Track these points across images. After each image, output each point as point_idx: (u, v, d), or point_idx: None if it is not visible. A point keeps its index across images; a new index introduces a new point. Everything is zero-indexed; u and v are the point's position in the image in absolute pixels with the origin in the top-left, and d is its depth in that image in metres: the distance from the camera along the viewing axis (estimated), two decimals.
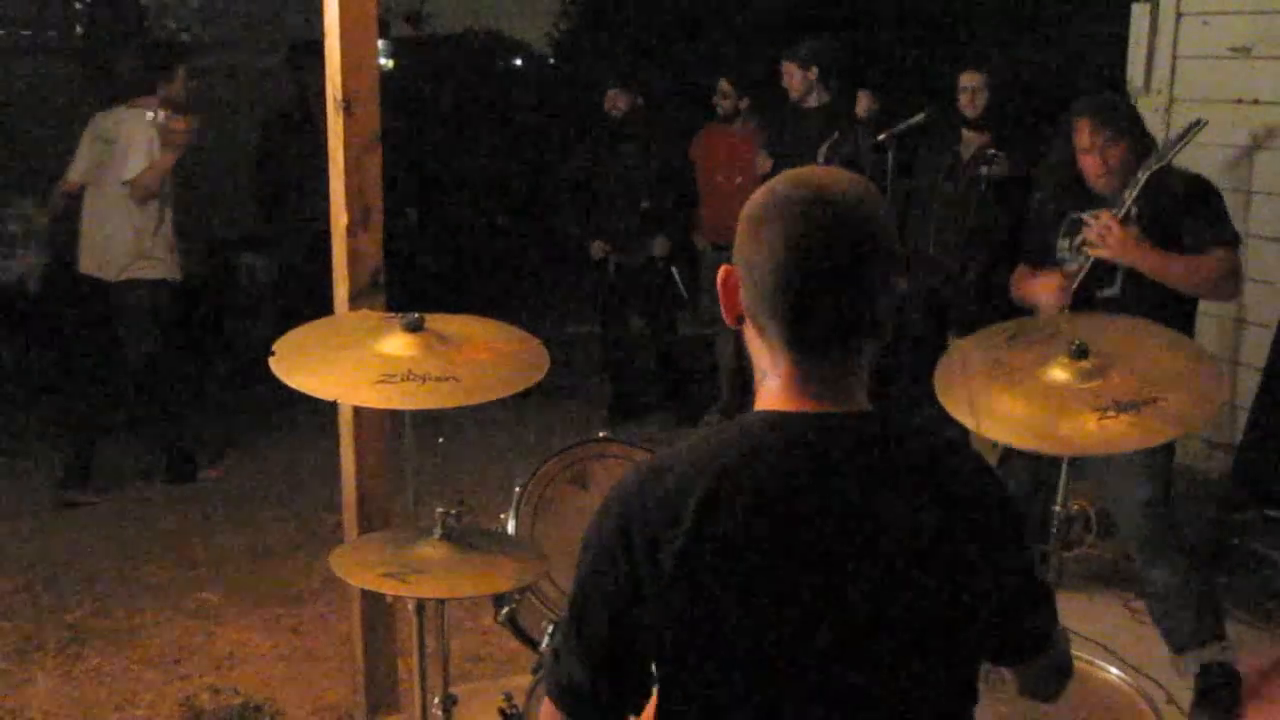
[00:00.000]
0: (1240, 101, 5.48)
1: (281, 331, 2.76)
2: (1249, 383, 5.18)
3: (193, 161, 5.64)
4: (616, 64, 8.33)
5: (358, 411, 3.17)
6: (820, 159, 5.64)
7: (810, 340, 1.52)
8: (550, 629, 2.91)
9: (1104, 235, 3.62)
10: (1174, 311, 3.57)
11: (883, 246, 1.51)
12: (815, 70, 6.03)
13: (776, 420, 1.53)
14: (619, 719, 1.57)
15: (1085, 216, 3.72)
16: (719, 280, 1.59)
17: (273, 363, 2.61)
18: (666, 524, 1.46)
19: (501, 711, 2.74)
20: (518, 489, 2.97)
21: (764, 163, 6.15)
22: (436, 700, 2.74)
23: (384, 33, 11.01)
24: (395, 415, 2.98)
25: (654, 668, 1.54)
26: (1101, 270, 3.70)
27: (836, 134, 5.79)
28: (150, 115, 5.45)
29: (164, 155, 5.47)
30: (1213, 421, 5.31)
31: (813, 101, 6.06)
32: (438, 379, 2.55)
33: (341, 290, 3.18)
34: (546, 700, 1.58)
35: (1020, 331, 2.95)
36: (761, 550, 1.46)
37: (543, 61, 12.50)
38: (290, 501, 5.61)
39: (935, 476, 1.54)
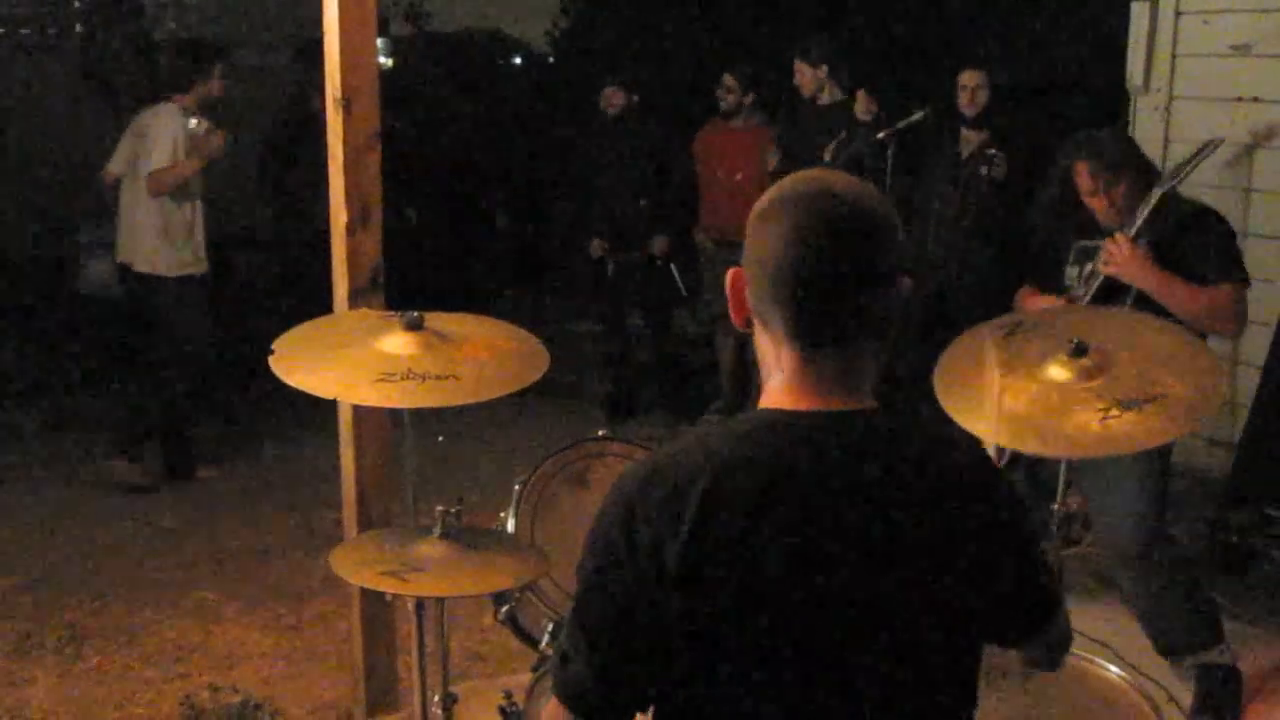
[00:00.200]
0: (1240, 100, 5.48)
1: (282, 329, 2.77)
2: (1249, 381, 5.18)
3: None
4: (616, 63, 8.32)
5: (357, 410, 3.17)
6: (826, 158, 5.64)
7: (815, 336, 1.53)
8: (551, 627, 2.91)
9: (1114, 251, 3.61)
10: None
11: (888, 245, 1.53)
12: (825, 68, 6.06)
13: (781, 418, 1.54)
14: (628, 717, 1.57)
15: (1097, 243, 3.71)
16: (727, 284, 1.61)
17: (272, 361, 2.61)
18: (671, 522, 1.46)
19: (501, 710, 2.74)
20: (517, 487, 2.97)
21: (773, 159, 6.17)
22: (436, 699, 2.74)
23: (384, 31, 11.02)
24: (395, 414, 2.98)
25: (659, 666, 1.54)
26: (1110, 292, 3.68)
27: (844, 133, 5.80)
28: (193, 122, 5.51)
29: (190, 160, 5.53)
30: (1213, 418, 5.32)
31: (825, 99, 6.09)
32: (437, 377, 2.55)
33: (341, 289, 3.18)
34: (553, 700, 1.58)
35: (1017, 327, 2.95)
36: (766, 547, 1.46)
37: (542, 60, 12.50)
38: (290, 500, 5.61)
39: (939, 472, 1.55)
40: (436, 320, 2.72)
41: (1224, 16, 5.55)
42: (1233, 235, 3.71)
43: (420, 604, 2.60)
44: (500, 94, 11.22)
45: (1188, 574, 3.75)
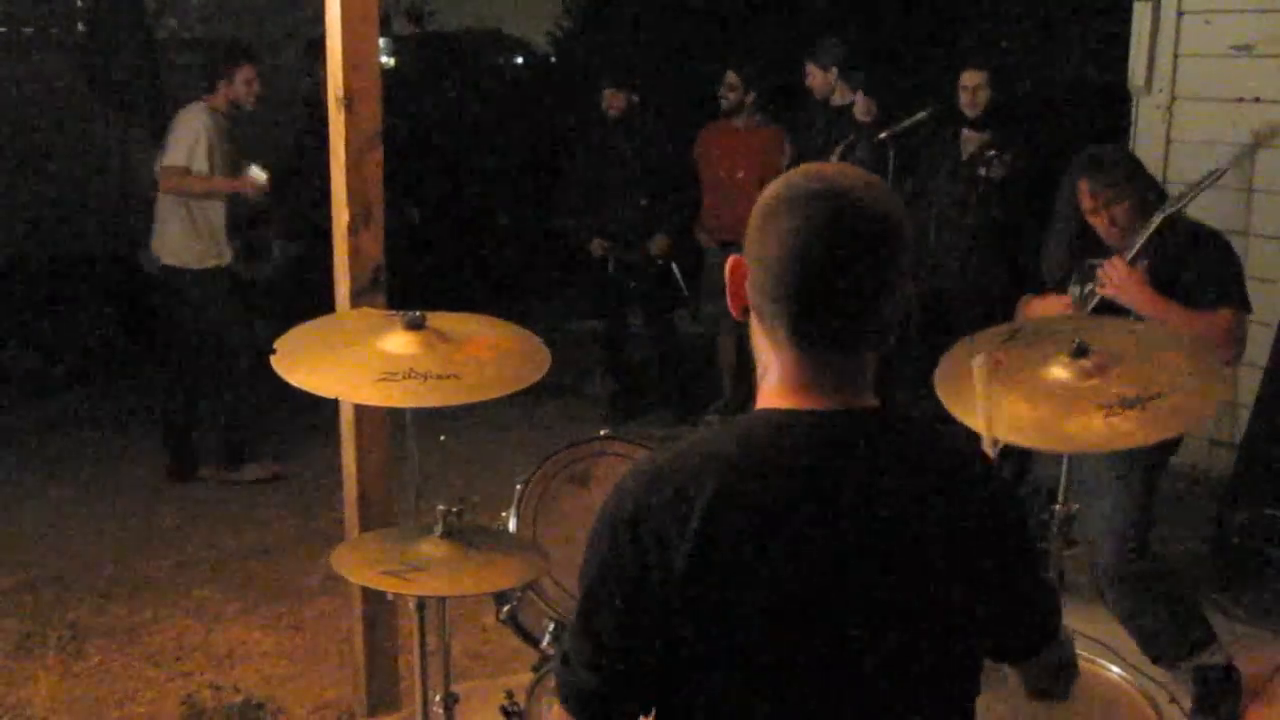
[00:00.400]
0: (1241, 100, 5.48)
1: (284, 328, 2.77)
2: (1251, 381, 5.17)
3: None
4: (617, 63, 8.31)
5: (359, 409, 3.17)
6: (833, 160, 5.66)
7: (816, 336, 1.51)
8: (552, 627, 2.91)
9: (1110, 273, 3.61)
10: None
11: (894, 247, 1.49)
12: (835, 70, 6.10)
13: (782, 418, 1.53)
14: None
15: (1100, 262, 3.71)
16: (727, 269, 1.58)
17: (274, 361, 2.61)
18: (676, 524, 1.45)
19: (503, 709, 2.74)
20: (519, 487, 2.97)
21: (787, 157, 6.21)
22: (438, 698, 2.74)
23: (385, 30, 11.01)
24: (396, 413, 2.98)
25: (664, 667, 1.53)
26: (1108, 312, 3.67)
27: (851, 136, 5.81)
28: (254, 169, 5.63)
29: (223, 180, 5.61)
30: (1215, 418, 5.31)
31: (838, 100, 6.13)
32: (439, 377, 2.55)
33: (343, 288, 3.18)
34: (556, 704, 1.57)
35: (1016, 333, 2.95)
36: (771, 549, 1.45)
37: (544, 60, 12.49)
38: (291, 499, 5.62)
39: (940, 473, 1.55)
40: (438, 320, 2.72)
41: (1226, 17, 5.55)
42: (1236, 260, 3.71)
43: (421, 603, 2.60)
44: (502, 94, 11.21)
45: (1169, 585, 3.74)
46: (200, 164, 5.56)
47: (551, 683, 1.61)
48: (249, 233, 5.91)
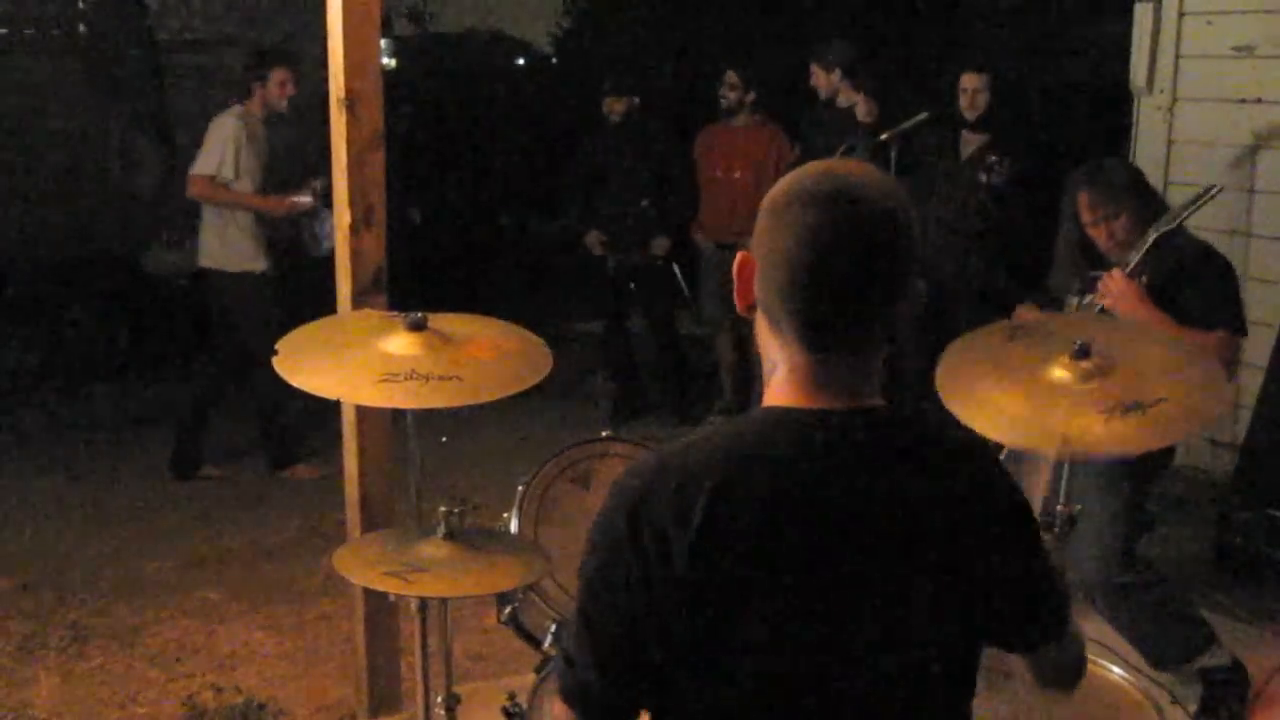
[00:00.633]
0: (1243, 101, 5.48)
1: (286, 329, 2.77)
2: (1252, 382, 5.17)
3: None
4: (618, 63, 8.32)
5: (361, 410, 3.17)
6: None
7: (823, 335, 1.51)
8: (554, 628, 2.91)
9: (1108, 284, 3.60)
10: None
11: (902, 246, 1.49)
12: (839, 72, 6.10)
13: (786, 416, 1.53)
14: (632, 717, 1.56)
15: (1099, 274, 3.71)
16: (735, 265, 1.57)
17: (276, 362, 2.62)
18: (677, 521, 1.45)
19: (504, 711, 2.74)
20: (520, 488, 2.96)
21: (790, 159, 6.22)
22: (439, 699, 2.74)
23: (386, 31, 11.02)
24: (398, 414, 2.98)
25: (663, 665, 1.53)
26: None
27: (854, 138, 5.81)
28: (309, 197, 5.64)
29: (251, 196, 5.64)
30: (1217, 419, 5.31)
31: (843, 102, 6.13)
32: (440, 378, 2.54)
33: (344, 289, 3.18)
34: (557, 701, 1.57)
35: (1018, 330, 2.95)
36: (773, 547, 1.46)
37: (545, 60, 12.50)
38: (293, 500, 5.62)
39: (945, 471, 1.55)
40: (439, 321, 2.72)
41: (1227, 18, 5.55)
42: (1234, 282, 3.70)
43: (423, 604, 2.60)
44: (503, 94, 11.22)
45: (1159, 593, 3.73)
46: (227, 171, 5.60)
47: (553, 684, 1.61)
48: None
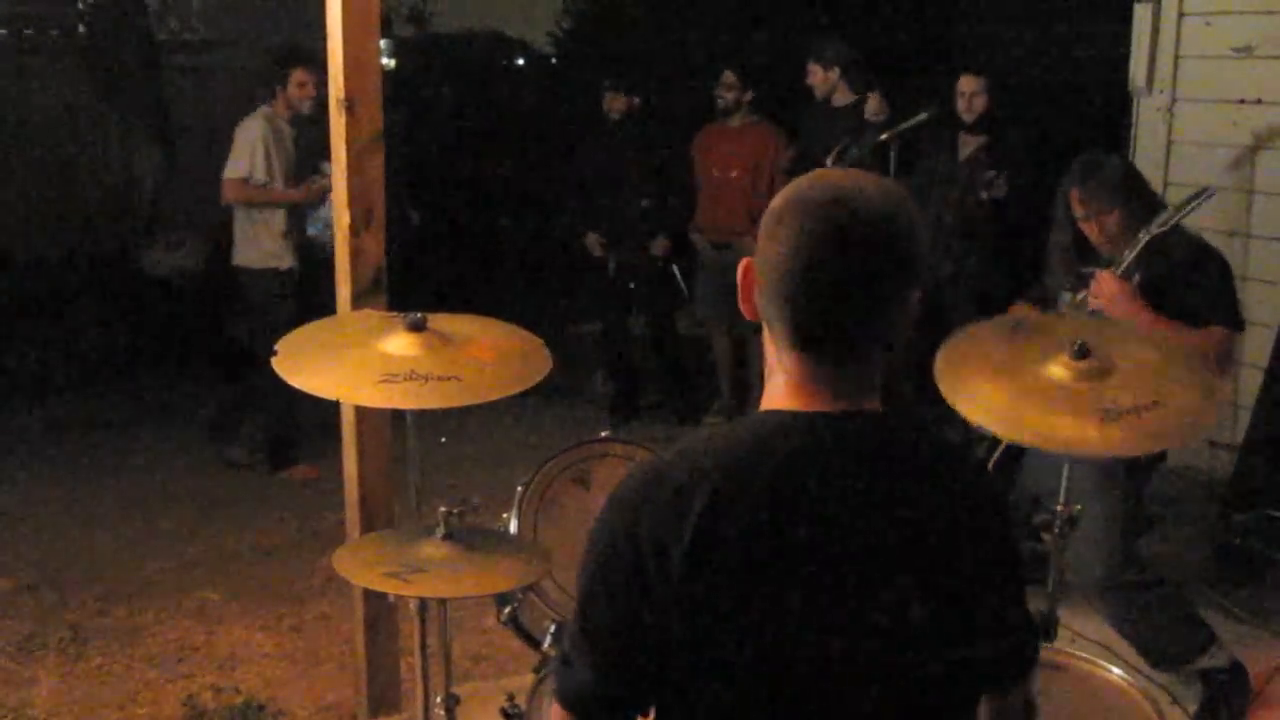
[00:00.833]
0: (1242, 101, 5.48)
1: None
2: (1251, 383, 5.18)
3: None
4: (618, 64, 8.31)
5: (360, 411, 3.18)
6: (829, 163, 5.65)
7: (816, 339, 1.52)
8: (553, 629, 2.91)
9: (1099, 287, 3.60)
10: None
11: (900, 253, 1.49)
12: (837, 70, 6.08)
13: (782, 420, 1.53)
14: None
15: (1092, 270, 3.70)
16: (740, 273, 1.58)
17: (276, 362, 2.62)
18: (674, 524, 1.45)
19: (504, 711, 2.74)
20: (519, 489, 2.96)
21: (788, 157, 6.20)
22: (439, 700, 2.74)
23: (386, 32, 11.01)
24: (398, 415, 2.98)
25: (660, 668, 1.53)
26: None
27: (849, 138, 5.81)
28: (326, 168, 5.57)
29: (282, 192, 5.68)
30: (1214, 428, 5.32)
31: (838, 101, 6.11)
32: (440, 378, 2.54)
33: (344, 290, 3.19)
34: (555, 705, 1.57)
35: (1019, 325, 2.95)
36: (769, 550, 1.46)
37: (545, 61, 12.49)
38: (293, 500, 5.62)
39: (937, 479, 1.55)
40: (439, 321, 2.72)
41: (1226, 18, 5.55)
42: (1230, 279, 3.69)
43: (423, 605, 2.60)
44: (503, 95, 11.22)
45: (1160, 593, 3.73)
46: (260, 174, 5.65)
47: (552, 685, 1.61)
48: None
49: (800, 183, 1.55)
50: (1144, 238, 3.54)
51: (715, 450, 1.51)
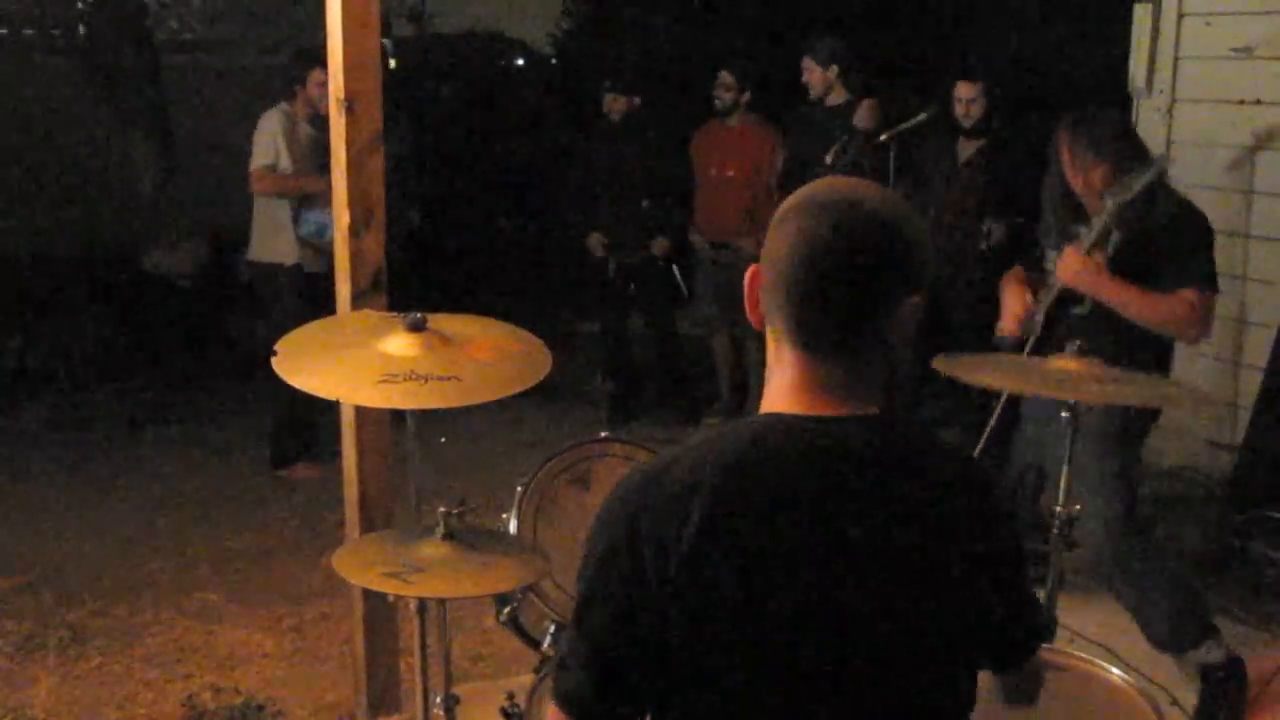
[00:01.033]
0: (1242, 102, 5.48)
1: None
2: (1251, 383, 5.18)
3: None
4: (618, 64, 8.31)
5: (360, 411, 3.18)
6: (828, 161, 5.64)
7: (813, 340, 1.53)
8: (552, 629, 2.91)
9: (1065, 263, 3.58)
10: (1142, 332, 3.54)
11: (902, 259, 1.51)
12: (835, 69, 6.05)
13: (782, 422, 1.53)
14: None
15: (1080, 228, 3.69)
16: (746, 278, 1.60)
17: (275, 362, 2.62)
18: (674, 526, 1.46)
19: (503, 711, 2.74)
20: (519, 489, 2.96)
21: (777, 159, 6.19)
22: (438, 700, 2.74)
23: (385, 32, 10.99)
24: (397, 415, 2.98)
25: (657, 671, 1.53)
26: (1067, 300, 3.66)
27: (846, 136, 5.79)
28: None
29: (309, 178, 5.69)
30: (1215, 420, 5.32)
31: (832, 100, 6.09)
32: (440, 379, 2.54)
33: (344, 290, 3.19)
34: (552, 706, 1.57)
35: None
36: (770, 554, 1.46)
37: (545, 61, 12.48)
38: (292, 501, 5.62)
39: (938, 482, 1.55)
40: (439, 321, 2.72)
41: (1226, 19, 5.55)
42: (1208, 239, 3.62)
43: (422, 605, 2.60)
44: (502, 95, 11.21)
45: (1168, 565, 3.74)
46: (285, 162, 5.69)
47: (551, 685, 1.61)
48: None
49: (806, 188, 1.57)
50: (1110, 204, 3.52)
51: (715, 452, 1.51)
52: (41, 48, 8.21)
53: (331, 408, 3.05)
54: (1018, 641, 1.69)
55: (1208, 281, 3.56)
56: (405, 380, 2.53)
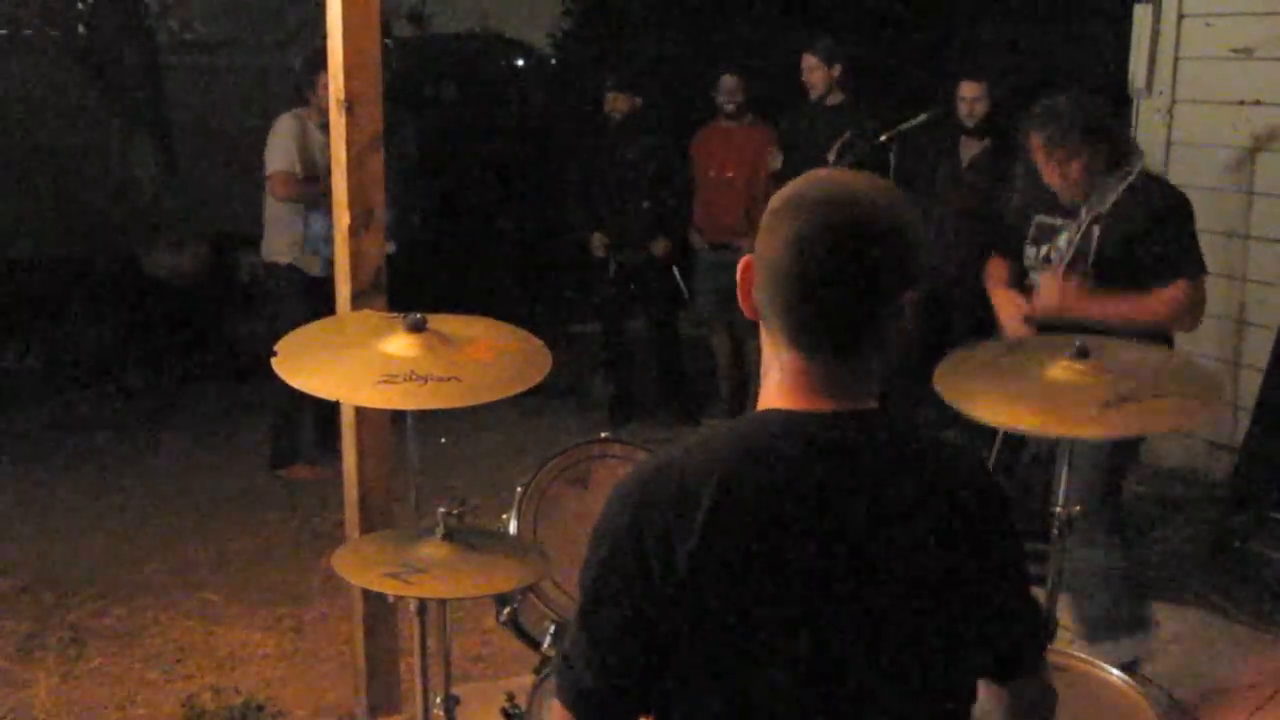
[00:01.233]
0: (1242, 103, 5.48)
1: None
2: (1251, 384, 5.18)
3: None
4: (618, 64, 8.31)
5: (360, 411, 3.18)
6: (831, 158, 5.63)
7: (809, 336, 1.52)
8: (553, 629, 2.91)
9: (1045, 299, 3.53)
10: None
11: (897, 254, 1.50)
12: (838, 69, 6.04)
13: (785, 418, 1.53)
14: None
15: (1054, 221, 3.65)
16: (739, 271, 1.59)
17: (275, 363, 2.62)
18: (680, 522, 1.46)
19: (504, 712, 2.75)
20: (519, 489, 2.97)
21: (776, 159, 6.17)
22: (438, 700, 2.74)
23: (386, 33, 10.98)
24: (397, 415, 2.98)
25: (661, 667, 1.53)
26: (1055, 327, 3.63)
27: (848, 134, 5.78)
28: None
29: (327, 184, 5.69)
30: (1215, 421, 5.32)
31: (832, 100, 6.07)
32: (440, 379, 2.55)
33: (344, 290, 3.19)
34: (555, 704, 1.57)
35: (1018, 346, 2.99)
36: (772, 549, 1.46)
37: (545, 62, 12.48)
38: (292, 501, 5.62)
39: (938, 478, 1.55)
40: (439, 322, 2.72)
41: (1226, 20, 5.55)
42: (1191, 224, 3.56)
43: (422, 605, 2.60)
44: (503, 95, 11.21)
45: (1125, 552, 3.67)
46: (296, 168, 5.69)
47: (552, 685, 1.61)
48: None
49: (799, 181, 1.56)
50: (1086, 217, 3.48)
51: (718, 449, 1.51)
52: (41, 48, 8.20)
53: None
54: (1018, 645, 1.66)
55: (1196, 267, 3.53)
56: (405, 381, 2.53)
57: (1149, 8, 5.79)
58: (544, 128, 10.28)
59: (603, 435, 3.13)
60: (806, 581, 1.47)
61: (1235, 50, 5.49)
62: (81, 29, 8.35)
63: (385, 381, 2.53)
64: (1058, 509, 2.95)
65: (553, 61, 12.20)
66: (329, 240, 5.51)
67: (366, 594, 3.26)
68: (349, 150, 3.10)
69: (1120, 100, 6.11)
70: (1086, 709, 2.64)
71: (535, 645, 2.96)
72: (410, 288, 3.61)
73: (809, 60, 6.10)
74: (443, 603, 2.70)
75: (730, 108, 6.49)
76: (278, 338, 2.70)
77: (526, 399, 2.74)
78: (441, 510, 2.56)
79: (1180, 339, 3.72)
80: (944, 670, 1.55)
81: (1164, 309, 3.48)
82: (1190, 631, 4.24)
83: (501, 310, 3.07)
